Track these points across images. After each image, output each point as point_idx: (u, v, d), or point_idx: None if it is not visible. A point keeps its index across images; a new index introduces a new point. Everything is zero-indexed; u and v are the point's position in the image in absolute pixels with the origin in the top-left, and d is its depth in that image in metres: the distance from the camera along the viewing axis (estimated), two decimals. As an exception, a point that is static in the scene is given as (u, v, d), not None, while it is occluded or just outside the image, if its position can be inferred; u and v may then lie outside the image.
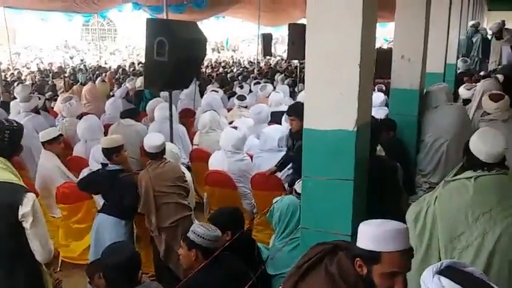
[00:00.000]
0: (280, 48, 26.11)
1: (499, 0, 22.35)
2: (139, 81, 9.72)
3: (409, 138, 5.22)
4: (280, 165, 4.75)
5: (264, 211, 3.37)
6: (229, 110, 7.95)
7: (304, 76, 4.68)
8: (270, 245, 3.58)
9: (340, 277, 1.94)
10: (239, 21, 21.27)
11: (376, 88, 8.68)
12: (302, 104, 4.84)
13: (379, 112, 6.57)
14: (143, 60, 7.42)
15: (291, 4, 14.61)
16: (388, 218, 2.00)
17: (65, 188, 4.58)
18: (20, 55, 26.45)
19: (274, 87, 9.03)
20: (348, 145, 2.78)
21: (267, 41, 14.18)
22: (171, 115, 5.20)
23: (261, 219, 4.53)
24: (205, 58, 21.80)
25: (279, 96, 7.63)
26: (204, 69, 16.06)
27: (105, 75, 14.34)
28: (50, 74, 16.41)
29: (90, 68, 18.43)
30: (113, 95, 9.55)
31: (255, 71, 14.61)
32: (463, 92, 6.70)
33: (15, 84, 10.73)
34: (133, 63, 18.99)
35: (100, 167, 4.17)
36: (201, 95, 8.86)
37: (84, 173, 4.77)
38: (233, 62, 20.34)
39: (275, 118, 6.53)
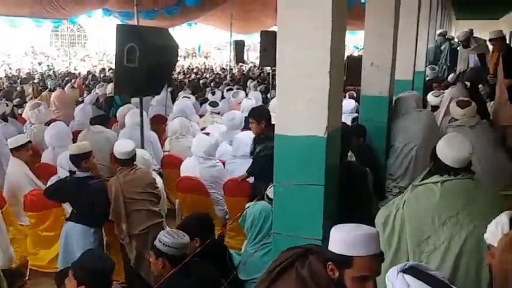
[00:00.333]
0: (253, 55, 26.22)
1: (466, 10, 22.95)
2: (109, 88, 9.62)
3: (379, 144, 5.30)
4: (251, 171, 4.75)
5: (236, 217, 3.37)
6: (201, 116, 7.94)
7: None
8: (242, 251, 3.58)
9: (311, 280, 1.96)
10: (211, 28, 21.26)
11: (347, 95, 8.81)
12: (262, 108, 4.87)
13: (349, 118, 6.66)
14: (114, 66, 7.39)
15: (262, 12, 14.70)
16: (358, 223, 2.03)
17: (33, 195, 4.48)
18: (-14, 61, 25.88)
19: (247, 94, 9.05)
20: (318, 151, 2.80)
21: (239, 48, 14.23)
22: (141, 121, 5.17)
23: (233, 225, 4.53)
24: (178, 64, 21.75)
25: (251, 103, 7.64)
26: (176, 76, 15.99)
27: (75, 81, 14.14)
28: (18, 80, 16.09)
29: (59, 74, 18.14)
30: (83, 101, 9.43)
31: (228, 77, 14.63)
32: (431, 98, 6.85)
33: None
34: (103, 69, 18.78)
35: (68, 174, 4.10)
36: (173, 102, 8.83)
37: (53, 180, 4.69)
38: (205, 68, 20.31)
39: (248, 124, 6.54)
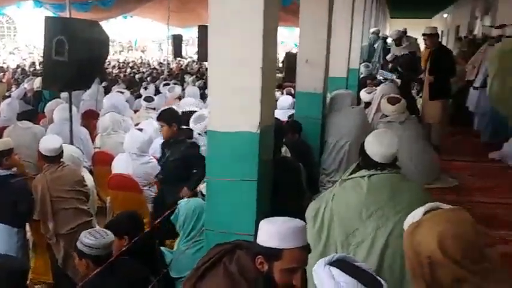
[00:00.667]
0: (192, 50, 25.93)
1: (400, 9, 23.80)
2: (37, 82, 9.18)
3: (314, 140, 5.38)
4: (162, 178, 4.54)
5: (165, 214, 3.30)
6: (136, 111, 7.75)
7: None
8: (174, 248, 3.52)
9: (239, 274, 1.96)
10: (148, 21, 20.81)
11: (284, 91, 8.89)
12: (173, 110, 4.74)
13: (287, 115, 6.71)
14: (43, 60, 7.04)
15: (200, 5, 14.53)
16: (291, 217, 2.05)
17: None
18: None
19: (183, 89, 8.92)
20: (251, 147, 2.80)
21: (177, 42, 14.04)
22: (70, 116, 4.97)
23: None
24: (113, 58, 21.11)
25: (191, 101, 7.56)
26: (110, 70, 15.54)
27: (3, 75, 13.42)
28: None
29: (-14, 67, 17.17)
30: (10, 96, 8.96)
31: (165, 72, 14.38)
32: (363, 95, 7.04)
33: None
34: (33, 62, 17.96)
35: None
36: (107, 96, 8.55)
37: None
38: (142, 62, 19.87)
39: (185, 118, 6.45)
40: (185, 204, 3.32)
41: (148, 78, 12.78)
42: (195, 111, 6.24)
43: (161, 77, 12.86)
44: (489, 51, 7.32)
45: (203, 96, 9.00)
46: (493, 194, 5.33)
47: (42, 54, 5.07)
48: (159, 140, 5.62)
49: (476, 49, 8.56)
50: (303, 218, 2.91)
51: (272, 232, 1.91)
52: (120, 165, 4.85)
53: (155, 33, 25.56)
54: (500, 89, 6.72)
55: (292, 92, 8.56)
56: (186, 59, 20.46)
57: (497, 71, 6.74)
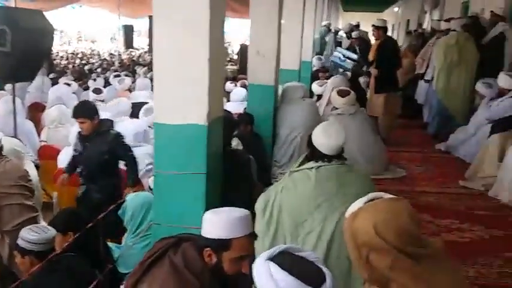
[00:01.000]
0: (144, 41, 25.46)
1: (351, 3, 24.21)
2: (-20, 73, 8.78)
3: (266, 132, 5.41)
4: (69, 168, 4.30)
5: (110, 208, 3.23)
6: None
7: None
8: (122, 243, 3.45)
9: (185, 267, 1.94)
10: (99, 11, 20.27)
11: (238, 83, 8.87)
12: (89, 103, 4.49)
13: (241, 107, 6.70)
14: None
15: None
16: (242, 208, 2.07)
17: None
18: None
19: (134, 81, 8.74)
20: (199, 139, 2.77)
21: (128, 32, 13.77)
22: (14, 109, 4.78)
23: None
24: (61, 49, 20.43)
25: (142, 93, 7.43)
26: (59, 61, 15.05)
27: None
28: None
29: None
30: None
31: (116, 63, 14.06)
32: (315, 88, 7.12)
33: None
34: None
35: None
36: (55, 89, 8.26)
37: None
38: (92, 53, 19.35)
39: (137, 112, 6.34)
40: (133, 199, 3.26)
41: (98, 70, 12.45)
42: (146, 103, 6.15)
43: (111, 68, 12.56)
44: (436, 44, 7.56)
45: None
46: (438, 184, 5.51)
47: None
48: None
49: (425, 43, 8.83)
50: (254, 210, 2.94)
51: (218, 223, 1.92)
52: (67, 159, 4.70)
53: (106, 24, 24.91)
54: (445, 83, 6.97)
55: (247, 84, 8.56)
56: (137, 50, 20.07)
57: (442, 65, 6.98)
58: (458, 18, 7.66)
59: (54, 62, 13.76)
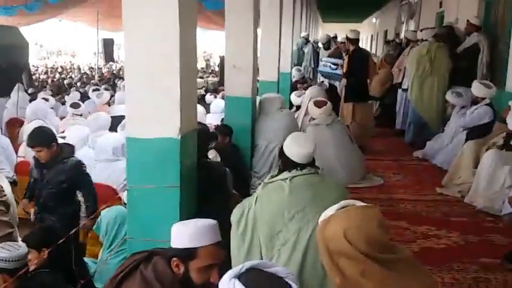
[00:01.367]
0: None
1: (330, 14, 24.49)
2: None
3: (245, 143, 5.44)
4: (29, 194, 4.11)
5: (81, 225, 3.21)
6: (63, 118, 7.48)
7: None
8: (98, 258, 3.43)
9: (155, 280, 1.95)
10: (79, 25, 20.19)
11: (219, 95, 8.91)
12: (47, 129, 4.20)
13: (220, 118, 6.72)
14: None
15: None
16: (217, 221, 2.08)
17: None
18: None
19: (112, 96, 8.70)
20: (172, 153, 2.78)
21: (108, 46, 13.72)
22: (-11, 125, 4.73)
23: (95, 232, 4.32)
24: (41, 64, 20.24)
25: (122, 107, 7.37)
26: (38, 76, 14.94)
27: None
28: None
29: None
30: None
31: (96, 77, 14.00)
32: (294, 98, 7.18)
33: None
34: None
35: None
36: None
37: None
38: (71, 67, 19.21)
39: (116, 126, 6.32)
40: (106, 213, 3.25)
41: (78, 84, 12.38)
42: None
43: (91, 81, 12.50)
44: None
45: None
46: (415, 191, 5.57)
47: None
48: (86, 148, 5.49)
49: (402, 52, 8.97)
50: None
51: (184, 233, 1.94)
52: (43, 175, 4.66)
53: (86, 38, 24.82)
54: (418, 92, 7.09)
55: (226, 96, 8.59)
56: (118, 63, 20.01)
57: (415, 74, 7.11)
58: (430, 28, 7.81)
59: (34, 76, 13.66)
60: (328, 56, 9.22)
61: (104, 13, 13.98)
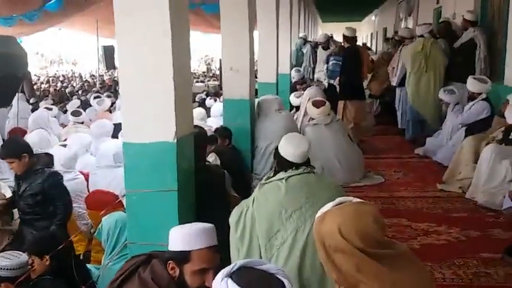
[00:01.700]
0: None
1: (329, 14, 24.53)
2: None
3: (244, 145, 5.47)
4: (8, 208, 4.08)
5: (80, 230, 3.24)
6: (65, 126, 7.53)
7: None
8: (101, 264, 3.46)
9: (153, 282, 1.98)
10: (79, 33, 20.30)
11: (219, 99, 8.94)
12: (15, 142, 4.17)
13: (222, 121, 6.74)
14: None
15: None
16: (218, 224, 2.11)
17: None
18: None
19: (113, 103, 8.75)
20: (169, 157, 2.80)
21: (108, 53, 13.78)
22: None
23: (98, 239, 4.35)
24: (42, 73, 20.33)
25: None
26: (39, 85, 15.03)
27: None
28: None
29: None
30: None
31: (97, 84, 14.07)
32: (293, 99, 7.20)
33: None
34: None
35: None
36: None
37: None
38: (73, 75, 19.32)
39: (118, 133, 6.36)
40: (107, 219, 3.28)
41: (80, 92, 12.45)
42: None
43: (93, 89, 12.56)
44: (403, 50, 7.70)
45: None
46: (416, 188, 5.58)
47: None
48: (88, 155, 5.53)
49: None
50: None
51: (179, 236, 1.97)
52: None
53: (87, 46, 24.95)
54: (415, 89, 7.10)
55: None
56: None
57: (411, 71, 7.12)
58: (425, 24, 7.81)
59: (35, 86, 13.74)
60: (335, 54, 9.21)
61: (104, 20, 14.02)
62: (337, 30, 11.71)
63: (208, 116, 7.70)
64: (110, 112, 8.15)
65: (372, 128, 7.89)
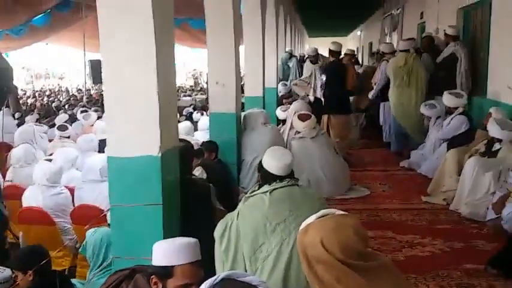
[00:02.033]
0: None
1: (316, 29, 24.82)
2: None
3: (231, 159, 5.48)
4: None
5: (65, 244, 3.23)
6: (51, 141, 7.49)
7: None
8: (86, 280, 3.43)
9: None
10: (66, 47, 20.26)
11: (206, 112, 8.96)
12: None
13: (208, 135, 6.76)
14: None
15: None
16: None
17: None
18: None
19: (99, 117, 8.73)
20: (153, 170, 2.82)
21: (95, 67, 13.75)
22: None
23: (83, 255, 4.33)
24: (28, 88, 20.23)
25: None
26: (25, 100, 14.95)
27: None
28: None
29: None
30: None
31: (84, 98, 14.03)
32: (279, 113, 7.25)
33: None
34: None
35: None
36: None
37: None
38: (59, 90, 19.24)
39: (103, 148, 6.35)
40: (92, 235, 3.26)
41: (66, 106, 12.40)
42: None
43: (79, 103, 12.53)
44: (382, 65, 7.82)
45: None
46: (401, 200, 5.64)
47: None
48: (73, 170, 5.51)
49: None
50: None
51: (162, 251, 1.98)
52: (31, 198, 4.68)
53: (73, 60, 24.90)
54: (398, 103, 7.20)
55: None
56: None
57: (393, 85, 7.22)
58: (407, 39, 7.94)
59: (21, 100, 13.67)
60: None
61: (90, 35, 14.03)
62: (323, 45, 11.81)
63: (196, 129, 7.72)
64: (98, 126, 8.12)
65: (358, 141, 7.95)
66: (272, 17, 9.65)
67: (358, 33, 24.14)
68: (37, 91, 18.14)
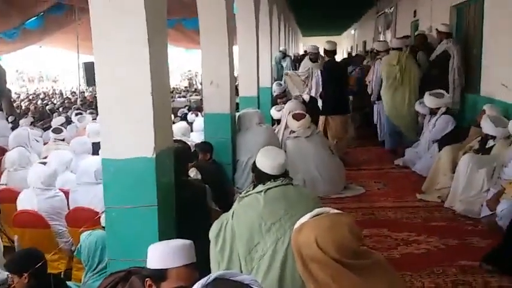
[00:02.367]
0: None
1: (310, 29, 24.87)
2: None
3: (226, 159, 5.47)
4: None
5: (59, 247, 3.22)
6: (46, 143, 7.46)
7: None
8: (81, 282, 3.43)
9: None
10: (59, 50, 20.20)
11: (201, 113, 8.95)
12: None
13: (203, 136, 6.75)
14: None
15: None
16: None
17: None
18: None
19: (94, 119, 8.72)
20: (148, 172, 2.82)
21: (89, 70, 13.71)
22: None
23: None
24: (22, 91, 20.14)
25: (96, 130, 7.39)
26: (19, 103, 14.90)
27: None
28: None
29: None
30: None
31: (78, 101, 13.99)
32: (273, 113, 7.26)
33: None
34: None
35: None
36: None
37: None
38: (53, 93, 19.17)
39: (97, 150, 6.34)
40: (86, 238, 3.26)
41: (60, 109, 12.37)
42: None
43: (73, 106, 12.50)
44: (376, 64, 7.83)
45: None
46: (396, 198, 5.65)
47: None
48: (68, 172, 5.50)
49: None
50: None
51: (156, 254, 1.98)
52: (25, 201, 4.67)
53: (67, 62, 24.82)
54: (391, 102, 7.21)
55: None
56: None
57: (386, 83, 7.23)
58: (401, 38, 7.96)
59: (15, 103, 13.63)
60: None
61: (84, 37, 14.01)
62: (317, 44, 11.83)
63: (192, 130, 7.71)
64: (92, 129, 8.10)
65: (353, 140, 7.97)
66: (266, 16, 9.64)
67: (352, 32, 24.19)
68: (31, 94, 18.05)
